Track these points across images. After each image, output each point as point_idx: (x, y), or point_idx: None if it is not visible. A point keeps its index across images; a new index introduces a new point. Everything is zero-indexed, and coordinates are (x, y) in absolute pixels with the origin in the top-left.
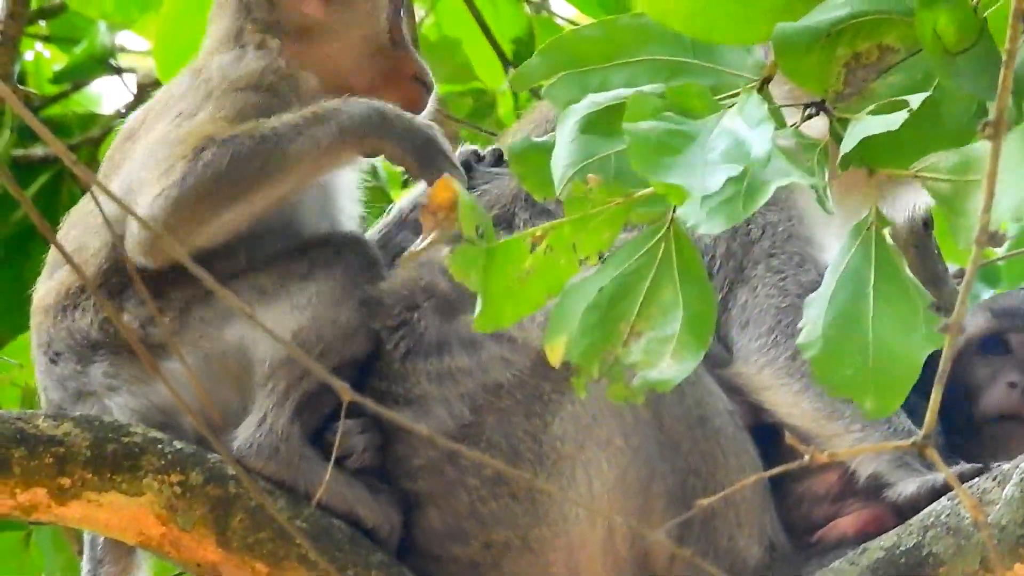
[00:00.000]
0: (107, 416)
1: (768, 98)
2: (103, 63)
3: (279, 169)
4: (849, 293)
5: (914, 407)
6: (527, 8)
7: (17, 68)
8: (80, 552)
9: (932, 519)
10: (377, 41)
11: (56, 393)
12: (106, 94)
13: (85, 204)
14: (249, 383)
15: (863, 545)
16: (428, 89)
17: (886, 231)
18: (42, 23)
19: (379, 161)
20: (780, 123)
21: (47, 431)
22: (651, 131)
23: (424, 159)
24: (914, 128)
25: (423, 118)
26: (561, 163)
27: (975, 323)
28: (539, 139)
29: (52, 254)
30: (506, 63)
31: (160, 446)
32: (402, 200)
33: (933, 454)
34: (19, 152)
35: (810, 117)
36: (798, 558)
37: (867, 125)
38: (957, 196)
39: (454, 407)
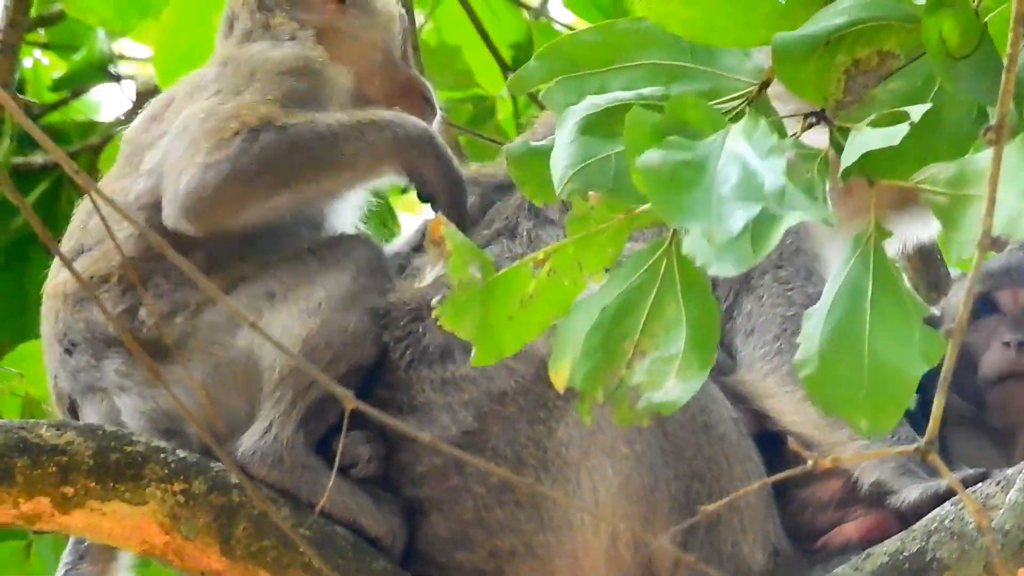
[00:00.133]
0: (110, 424)
1: (768, 105)
2: (102, 70)
3: (331, 167)
4: (846, 307)
5: (914, 414)
6: (526, 14)
7: (16, 75)
8: None
9: (936, 524)
10: (390, 53)
11: (67, 383)
12: (105, 101)
13: (106, 186)
14: (256, 390)
15: (867, 551)
16: (434, 112)
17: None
18: (41, 30)
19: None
20: (781, 133)
21: (50, 440)
22: (662, 164)
23: (454, 196)
24: (915, 137)
25: None
26: (560, 164)
27: (946, 305)
28: (537, 143)
29: (67, 242)
30: (505, 69)
31: (163, 455)
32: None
33: (936, 459)
34: (19, 160)
35: (810, 126)
36: (802, 564)
37: (867, 138)
38: (954, 210)
39: (458, 414)
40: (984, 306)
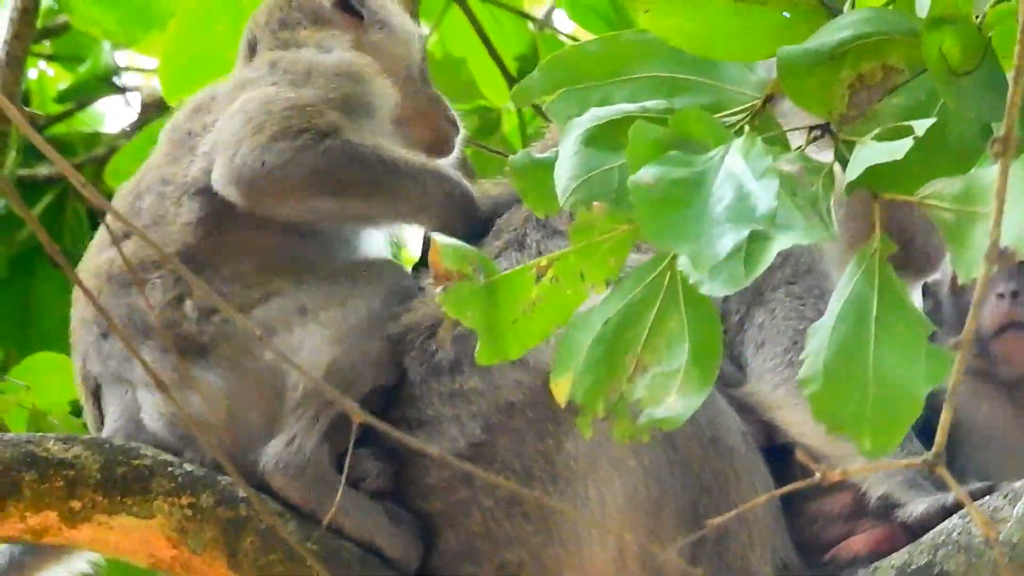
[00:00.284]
0: (116, 439)
1: (771, 119)
2: (107, 82)
3: (384, 196)
4: (851, 324)
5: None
6: (531, 26)
7: (22, 87)
8: None
9: (944, 537)
10: (411, 71)
11: (96, 367)
12: (110, 113)
13: (152, 170)
14: (277, 404)
15: (875, 564)
16: (457, 131)
17: None
18: (46, 42)
19: None
20: (784, 147)
21: (57, 454)
22: (656, 183)
23: None
24: (920, 152)
25: (448, 160)
26: (564, 176)
27: (943, 268)
28: (540, 155)
29: (114, 223)
30: (510, 80)
31: (170, 468)
32: None
33: (944, 473)
34: (24, 171)
35: (815, 140)
36: None
37: (872, 152)
38: (961, 227)
39: (466, 427)
40: None
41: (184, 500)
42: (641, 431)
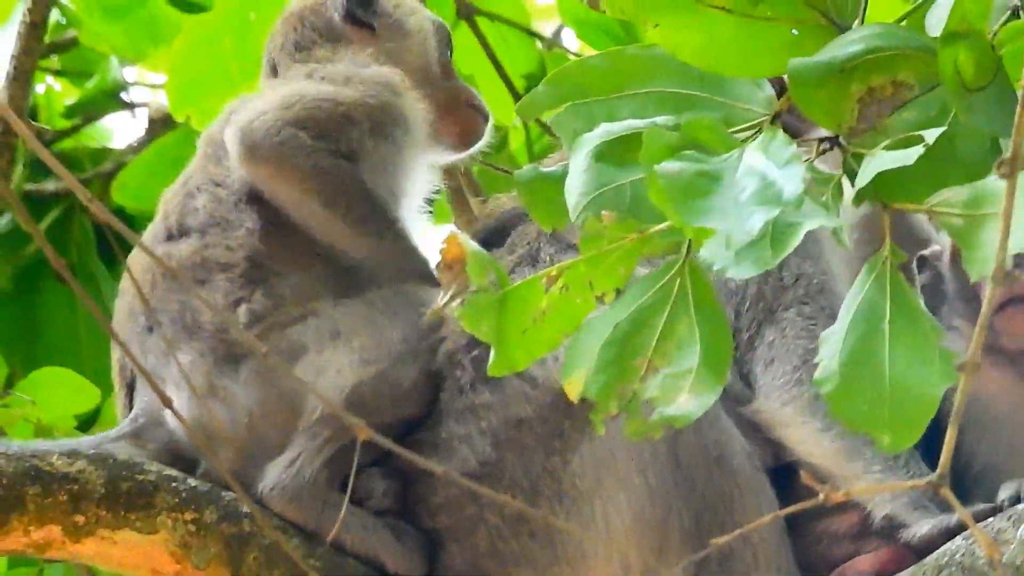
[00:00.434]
0: (121, 454)
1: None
2: (115, 97)
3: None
4: (864, 328)
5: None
6: (539, 44)
7: (29, 102)
8: None
9: (947, 558)
10: (430, 71)
11: (136, 357)
12: (118, 128)
13: (197, 172)
14: (294, 423)
15: None
16: (485, 118)
17: None
18: (54, 57)
19: None
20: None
21: (62, 468)
22: (679, 173)
23: None
24: (928, 163)
25: (479, 146)
26: (575, 191)
27: (941, 240)
28: (547, 169)
29: (163, 220)
30: (518, 99)
31: (174, 484)
32: None
33: (948, 494)
34: (31, 186)
35: (824, 152)
36: None
37: (881, 160)
38: (971, 230)
39: (476, 444)
40: None
41: (188, 515)
42: (653, 428)
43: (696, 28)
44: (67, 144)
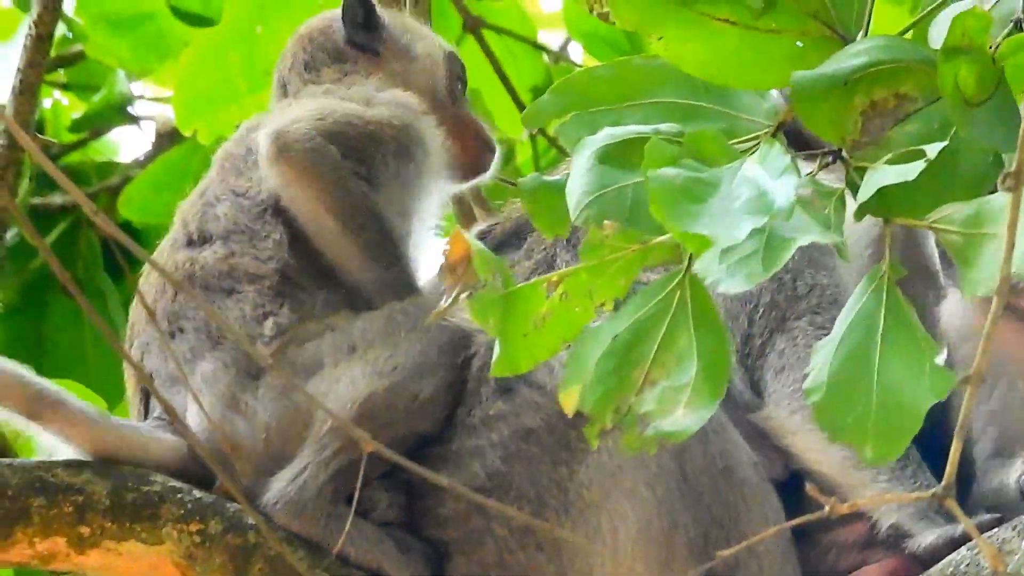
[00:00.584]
0: (126, 467)
1: (783, 145)
2: (121, 111)
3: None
4: (858, 338)
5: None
6: (546, 57)
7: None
8: None
9: (952, 569)
10: (436, 96)
11: (155, 362)
12: (124, 142)
13: (215, 183)
14: (307, 436)
15: None
16: (492, 151)
17: None
18: (61, 71)
19: None
20: (796, 173)
21: (66, 480)
22: (674, 178)
23: None
24: (930, 177)
25: (483, 178)
26: (576, 192)
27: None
28: (551, 177)
29: (183, 228)
30: None
31: (179, 495)
32: None
33: (953, 505)
34: (37, 200)
35: (826, 166)
36: None
37: (883, 175)
38: (970, 249)
39: (487, 456)
40: None
41: (193, 527)
42: (649, 443)
43: (700, 40)
44: (74, 158)
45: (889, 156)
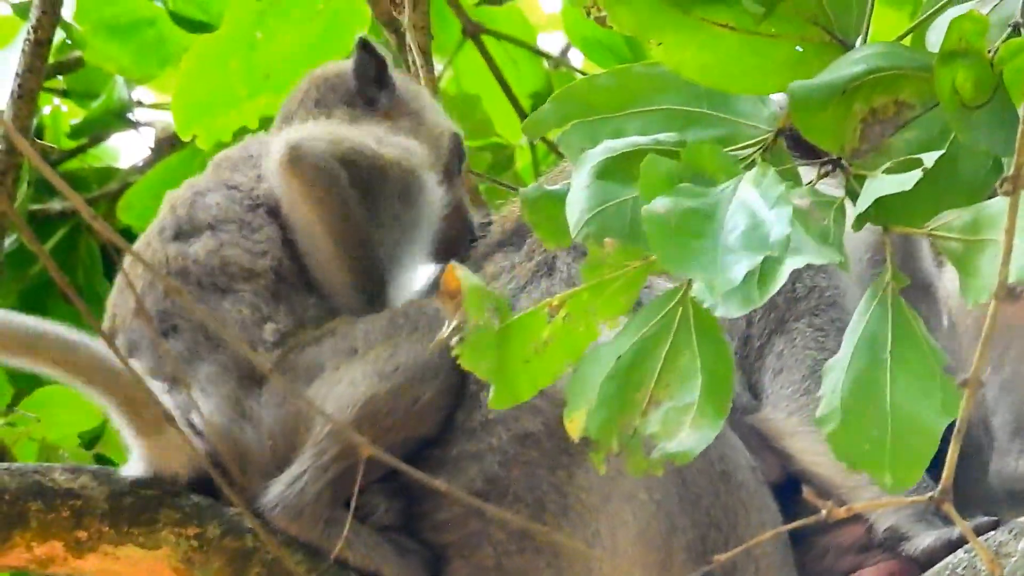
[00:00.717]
0: (124, 471)
1: (783, 152)
2: (121, 117)
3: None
4: (867, 359)
5: None
6: (546, 63)
7: (35, 122)
8: None
9: (948, 572)
10: (438, 161)
11: (147, 362)
12: (124, 148)
13: (206, 178)
14: (305, 439)
15: None
16: (473, 238)
17: None
18: (60, 77)
19: None
20: (795, 181)
21: (64, 484)
22: (668, 214)
23: None
24: (929, 184)
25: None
26: (576, 208)
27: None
28: (552, 188)
29: (168, 215)
30: (524, 118)
31: (177, 499)
32: None
33: (950, 508)
34: (36, 206)
35: (827, 174)
36: None
37: (881, 184)
38: (969, 256)
39: (486, 461)
40: None
41: (190, 531)
42: (655, 465)
43: (699, 46)
44: (73, 164)
45: (887, 165)
